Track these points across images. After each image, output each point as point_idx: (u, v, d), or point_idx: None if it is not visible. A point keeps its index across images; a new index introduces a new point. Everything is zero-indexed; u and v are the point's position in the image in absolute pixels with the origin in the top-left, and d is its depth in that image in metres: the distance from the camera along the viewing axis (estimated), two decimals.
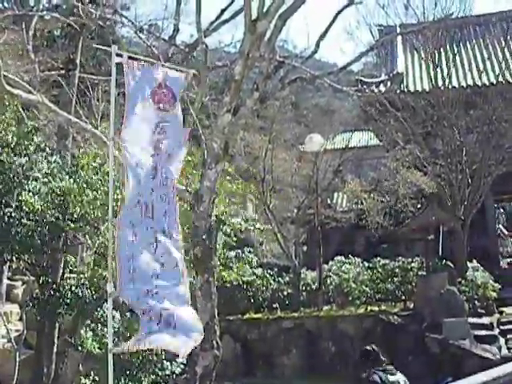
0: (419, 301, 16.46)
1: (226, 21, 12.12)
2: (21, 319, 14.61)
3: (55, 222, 10.54)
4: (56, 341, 12.05)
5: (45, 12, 17.78)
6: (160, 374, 10.26)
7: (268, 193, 20.10)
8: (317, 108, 35.46)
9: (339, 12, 9.81)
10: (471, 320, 15.04)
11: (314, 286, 18.70)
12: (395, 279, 18.09)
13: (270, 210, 19.85)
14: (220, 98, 8.57)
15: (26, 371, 11.66)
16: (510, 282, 17.94)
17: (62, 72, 14.89)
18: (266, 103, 9.84)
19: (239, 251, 16.18)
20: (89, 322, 10.71)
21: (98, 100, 17.92)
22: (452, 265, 17.09)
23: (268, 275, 18.72)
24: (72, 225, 10.73)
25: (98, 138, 8.87)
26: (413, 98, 19.56)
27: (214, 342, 7.45)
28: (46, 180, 10.86)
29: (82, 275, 11.89)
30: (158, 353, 10.05)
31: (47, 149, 11.88)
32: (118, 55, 5.87)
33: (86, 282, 11.29)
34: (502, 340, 14.84)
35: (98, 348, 9.90)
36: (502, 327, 15.54)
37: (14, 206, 10.41)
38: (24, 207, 10.40)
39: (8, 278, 17.42)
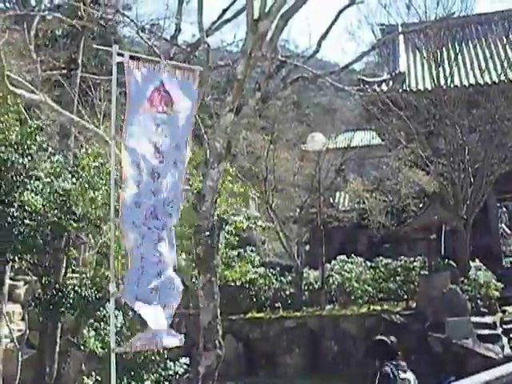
0: (422, 300, 16.44)
1: (228, 20, 12.09)
2: (23, 319, 14.66)
3: (57, 222, 10.54)
4: (58, 340, 12.07)
5: (46, 12, 17.77)
6: (163, 373, 10.26)
7: (270, 192, 20.11)
8: (319, 107, 35.54)
9: (341, 11, 9.81)
10: (474, 319, 15.01)
11: (316, 286, 18.68)
12: (397, 278, 18.06)
13: (272, 209, 19.86)
14: (222, 97, 8.58)
15: (28, 371, 11.69)
16: None
17: (64, 72, 14.92)
18: (268, 103, 9.84)
19: (241, 250, 16.17)
20: (91, 321, 10.72)
21: (99, 99, 17.92)
22: (454, 264, 17.07)
23: (270, 274, 18.71)
24: (74, 224, 10.73)
25: (99, 137, 8.91)
26: (415, 97, 19.51)
27: (217, 342, 7.46)
28: (48, 180, 10.86)
29: (84, 275, 11.91)
30: (160, 352, 10.05)
31: (50, 148, 11.89)
32: (120, 55, 5.83)
33: (89, 282, 11.31)
34: (504, 339, 14.81)
35: (101, 347, 9.90)
36: (504, 326, 15.51)
37: (16, 205, 10.41)
38: (26, 207, 10.40)
39: (10, 278, 17.36)
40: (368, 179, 23.17)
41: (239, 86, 7.69)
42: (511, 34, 22.49)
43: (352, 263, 18.82)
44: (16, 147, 10.61)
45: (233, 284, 16.03)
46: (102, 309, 10.45)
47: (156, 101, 5.89)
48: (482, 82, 20.91)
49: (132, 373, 9.78)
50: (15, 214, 10.33)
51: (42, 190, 10.67)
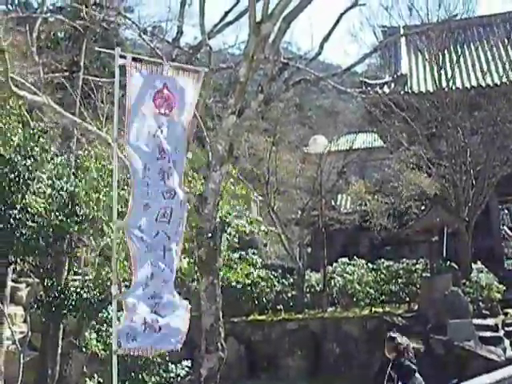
0: (423, 302, 16.41)
1: (230, 22, 12.10)
2: (25, 321, 14.66)
3: (60, 224, 10.55)
4: (60, 342, 12.08)
5: (49, 14, 17.80)
6: (164, 375, 10.26)
7: (272, 194, 20.09)
8: (321, 109, 35.51)
9: (343, 14, 9.83)
10: (476, 321, 15.00)
11: (318, 288, 18.65)
12: (399, 281, 18.05)
13: (274, 211, 19.84)
14: (224, 99, 8.60)
15: (30, 373, 11.70)
16: None
17: (67, 74, 14.91)
18: (270, 105, 9.85)
19: (243, 253, 16.17)
20: (93, 323, 10.73)
21: (102, 102, 17.96)
22: (456, 266, 17.06)
23: (272, 277, 18.68)
24: (76, 226, 10.74)
25: (102, 139, 8.92)
26: (417, 100, 19.53)
27: (219, 344, 7.47)
28: (50, 182, 10.87)
29: (86, 277, 11.92)
30: (162, 354, 10.05)
31: (52, 150, 11.90)
32: (122, 57, 5.82)
33: (91, 284, 11.31)
34: (506, 341, 14.80)
35: (103, 349, 9.92)
36: (506, 328, 15.49)
37: (18, 207, 10.42)
38: (29, 209, 10.42)
39: (12, 280, 17.38)
40: (370, 181, 23.14)
41: (241, 88, 7.70)
42: None
43: (354, 265, 18.81)
44: (19, 149, 10.63)
45: (235, 286, 16.04)
46: (104, 311, 10.47)
47: (158, 102, 5.86)
48: (483, 84, 20.91)
49: (134, 375, 9.79)
50: (17, 216, 10.35)
51: (44, 192, 10.69)
